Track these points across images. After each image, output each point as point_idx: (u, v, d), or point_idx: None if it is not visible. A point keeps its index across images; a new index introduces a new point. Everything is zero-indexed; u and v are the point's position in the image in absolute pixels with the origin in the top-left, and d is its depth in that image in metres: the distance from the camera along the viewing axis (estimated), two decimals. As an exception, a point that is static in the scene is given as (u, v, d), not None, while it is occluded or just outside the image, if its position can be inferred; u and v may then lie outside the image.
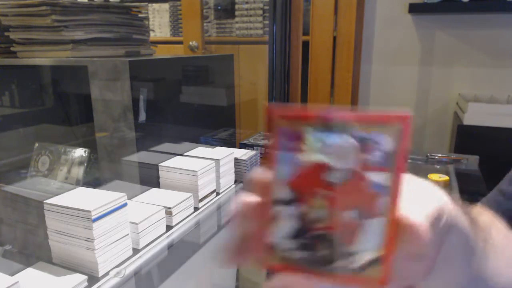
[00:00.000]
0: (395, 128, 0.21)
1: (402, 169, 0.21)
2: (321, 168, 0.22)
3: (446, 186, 1.06)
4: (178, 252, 0.71)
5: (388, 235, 0.22)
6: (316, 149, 0.22)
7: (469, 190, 0.99)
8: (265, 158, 0.24)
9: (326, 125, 0.22)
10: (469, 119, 1.60)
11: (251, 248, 0.25)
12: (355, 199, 0.22)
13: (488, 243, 0.33)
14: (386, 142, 0.21)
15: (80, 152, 0.84)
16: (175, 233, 0.72)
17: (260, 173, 0.24)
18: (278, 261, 0.23)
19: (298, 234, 0.23)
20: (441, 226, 0.25)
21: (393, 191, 0.21)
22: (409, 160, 1.30)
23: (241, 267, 0.24)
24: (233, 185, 0.92)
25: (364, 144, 0.21)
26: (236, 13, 2.23)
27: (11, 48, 0.99)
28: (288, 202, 0.23)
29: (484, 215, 0.43)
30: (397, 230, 0.22)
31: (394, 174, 0.21)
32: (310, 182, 0.22)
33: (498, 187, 0.48)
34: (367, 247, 0.22)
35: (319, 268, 0.23)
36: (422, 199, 0.24)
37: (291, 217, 0.23)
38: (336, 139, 0.22)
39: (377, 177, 0.21)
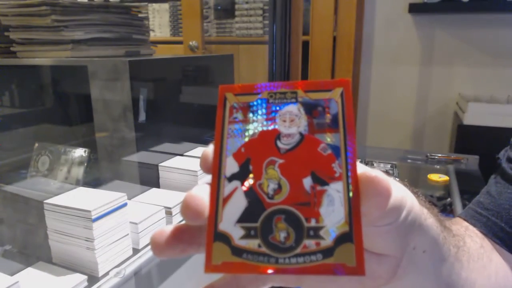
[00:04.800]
0: (338, 92, 0.21)
1: (352, 128, 0.21)
2: (270, 135, 0.21)
3: (446, 186, 1.06)
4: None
5: (352, 199, 0.19)
6: (264, 118, 0.22)
7: (469, 190, 0.99)
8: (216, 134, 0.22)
9: (273, 95, 0.22)
10: (469, 119, 1.60)
11: (193, 239, 0.22)
12: (309, 162, 0.20)
13: (461, 250, 0.32)
14: (332, 105, 0.21)
15: (80, 152, 0.84)
16: (175, 233, 0.72)
17: (209, 150, 0.22)
18: (231, 257, 0.19)
19: (253, 212, 0.20)
20: (404, 218, 0.23)
21: (347, 150, 0.20)
22: (409, 160, 1.30)
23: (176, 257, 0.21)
24: (233, 185, 0.92)
25: (312, 109, 0.21)
26: (236, 13, 2.23)
27: (11, 48, 0.99)
28: (237, 176, 0.21)
29: (459, 224, 0.43)
30: (359, 192, 0.20)
31: (346, 133, 0.21)
32: (260, 151, 0.21)
33: (477, 199, 0.47)
34: (332, 217, 0.19)
35: (283, 256, 0.19)
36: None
37: (242, 194, 0.20)
38: (284, 107, 0.22)
39: (329, 139, 0.21)
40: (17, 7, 0.93)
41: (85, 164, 0.83)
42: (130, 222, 0.64)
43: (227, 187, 0.21)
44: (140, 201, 0.75)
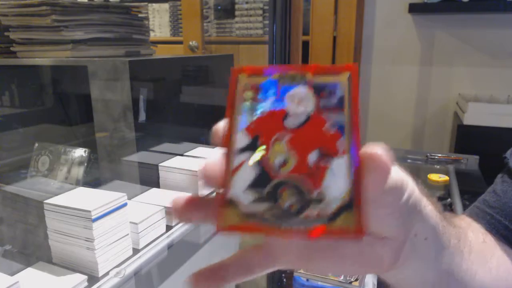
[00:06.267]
0: (346, 76, 0.23)
1: (357, 110, 0.22)
2: (279, 114, 0.23)
3: (446, 186, 1.06)
4: (178, 252, 0.71)
5: (354, 173, 0.21)
6: (274, 97, 0.23)
7: (469, 190, 0.99)
8: (227, 110, 0.24)
9: (283, 77, 0.23)
10: (469, 119, 1.60)
11: (205, 205, 0.24)
12: (315, 139, 0.22)
13: (462, 241, 0.32)
14: (339, 87, 0.23)
15: (80, 152, 0.84)
16: (175, 233, 0.72)
17: (220, 125, 0.23)
18: (240, 220, 0.21)
19: (260, 183, 0.22)
20: (406, 200, 0.24)
21: (351, 129, 0.22)
22: (409, 160, 1.30)
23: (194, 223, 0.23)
24: (233, 185, 0.92)
25: (320, 91, 0.23)
26: (236, 13, 2.23)
27: (11, 48, 0.99)
28: (247, 149, 0.22)
29: (463, 219, 0.43)
30: (362, 167, 0.21)
31: (351, 114, 0.22)
32: (268, 128, 0.23)
33: (483, 197, 0.47)
34: (335, 190, 0.21)
35: (287, 221, 0.21)
36: None
37: (251, 166, 0.22)
38: (293, 88, 0.23)
39: (335, 118, 0.22)
40: (17, 7, 0.93)
41: (85, 164, 0.83)
42: (130, 222, 0.64)
43: (237, 159, 0.22)
44: (140, 201, 0.75)
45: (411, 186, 0.24)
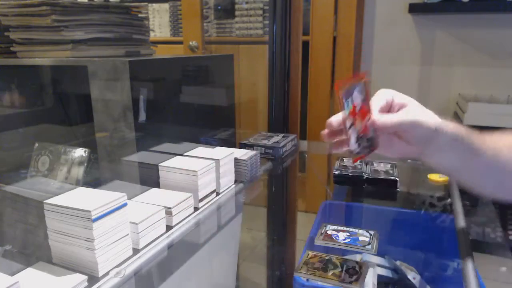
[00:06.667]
0: (363, 80, 0.55)
1: (368, 99, 0.55)
2: (356, 105, 0.54)
3: (446, 186, 1.06)
4: (178, 252, 0.71)
5: (371, 123, 0.55)
6: (353, 95, 0.54)
7: (468, 190, 0.99)
8: (339, 106, 0.55)
9: (353, 84, 0.54)
10: (469, 119, 1.60)
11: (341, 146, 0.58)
12: (366, 112, 0.54)
13: (488, 152, 0.53)
14: (363, 87, 0.55)
15: (80, 152, 0.84)
16: (175, 233, 0.72)
17: (332, 118, 0.57)
18: (355, 155, 0.56)
19: (357, 138, 0.55)
20: (425, 132, 0.53)
21: (369, 109, 0.55)
22: (409, 160, 1.30)
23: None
24: (233, 185, 0.92)
25: (361, 88, 0.55)
26: (236, 13, 2.23)
27: (11, 48, 0.99)
28: (351, 124, 0.55)
29: (500, 136, 0.59)
30: (371, 119, 0.54)
31: (368, 100, 0.55)
32: (355, 111, 0.54)
33: None
34: (371, 133, 0.54)
35: (366, 150, 0.56)
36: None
37: (354, 132, 0.55)
38: (357, 89, 0.55)
39: (366, 102, 0.55)
40: (17, 7, 0.93)
41: (85, 164, 0.83)
42: (130, 222, 0.64)
43: (349, 129, 0.55)
44: (140, 201, 0.75)
45: (428, 123, 0.55)
